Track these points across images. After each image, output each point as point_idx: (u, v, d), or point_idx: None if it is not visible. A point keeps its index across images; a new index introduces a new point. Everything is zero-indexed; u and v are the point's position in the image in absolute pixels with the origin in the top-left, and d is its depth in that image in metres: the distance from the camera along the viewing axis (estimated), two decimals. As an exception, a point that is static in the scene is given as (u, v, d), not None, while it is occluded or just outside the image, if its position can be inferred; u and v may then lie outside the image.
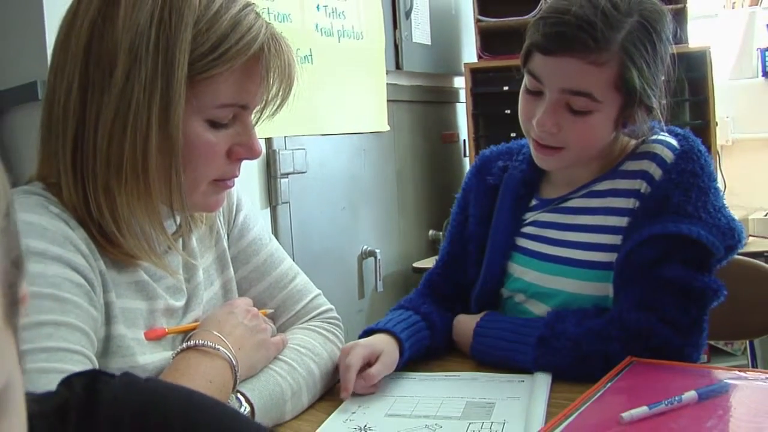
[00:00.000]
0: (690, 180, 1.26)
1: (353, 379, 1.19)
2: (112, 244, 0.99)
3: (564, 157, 1.32)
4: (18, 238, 0.36)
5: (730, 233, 1.25)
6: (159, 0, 0.94)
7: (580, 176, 1.38)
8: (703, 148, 1.32)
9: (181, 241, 1.13)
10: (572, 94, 1.25)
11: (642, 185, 1.30)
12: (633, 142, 1.37)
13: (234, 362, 1.04)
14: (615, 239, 1.31)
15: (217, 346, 1.04)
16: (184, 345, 1.04)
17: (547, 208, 1.42)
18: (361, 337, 1.33)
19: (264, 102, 1.07)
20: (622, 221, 1.31)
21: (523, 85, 1.34)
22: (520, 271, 1.41)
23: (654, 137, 1.35)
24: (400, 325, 1.34)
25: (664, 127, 1.37)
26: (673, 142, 1.32)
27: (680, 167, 1.27)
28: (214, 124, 1.00)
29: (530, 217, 1.44)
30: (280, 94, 1.07)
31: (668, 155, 1.30)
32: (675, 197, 1.25)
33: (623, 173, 1.34)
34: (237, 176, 1.08)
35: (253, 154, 1.05)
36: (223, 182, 1.06)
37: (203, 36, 0.95)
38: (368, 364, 1.24)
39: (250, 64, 1.00)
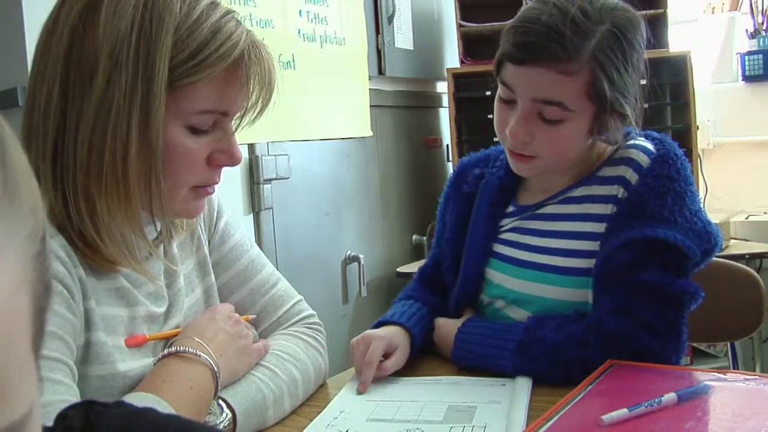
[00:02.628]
0: (666, 184, 1.26)
1: (372, 376, 1.27)
2: (92, 251, 0.99)
3: (538, 165, 1.32)
4: (50, 263, 0.36)
5: (706, 237, 1.25)
6: (140, 7, 0.94)
7: (557, 183, 1.39)
8: (679, 152, 1.32)
9: (161, 247, 1.13)
10: (544, 104, 1.25)
11: (619, 191, 1.30)
12: (610, 148, 1.37)
13: (215, 368, 1.04)
14: (593, 245, 1.31)
15: (198, 353, 1.03)
16: (165, 351, 1.04)
17: (524, 215, 1.42)
18: (373, 327, 1.39)
19: (244, 109, 1.07)
20: (599, 227, 1.31)
21: (497, 94, 1.34)
22: (499, 277, 1.41)
23: (630, 142, 1.35)
24: (412, 319, 1.40)
25: (640, 132, 1.38)
26: (650, 146, 1.33)
27: (656, 172, 1.28)
28: (195, 131, 1.00)
29: (507, 223, 1.44)
30: (261, 101, 1.06)
31: (644, 160, 1.30)
32: (651, 202, 1.25)
33: (600, 179, 1.34)
34: (217, 183, 1.08)
35: (233, 161, 1.05)
36: (203, 189, 1.06)
37: (184, 43, 0.95)
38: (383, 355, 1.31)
39: (230, 70, 1.00)
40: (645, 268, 1.23)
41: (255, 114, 1.09)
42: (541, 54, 1.22)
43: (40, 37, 0.99)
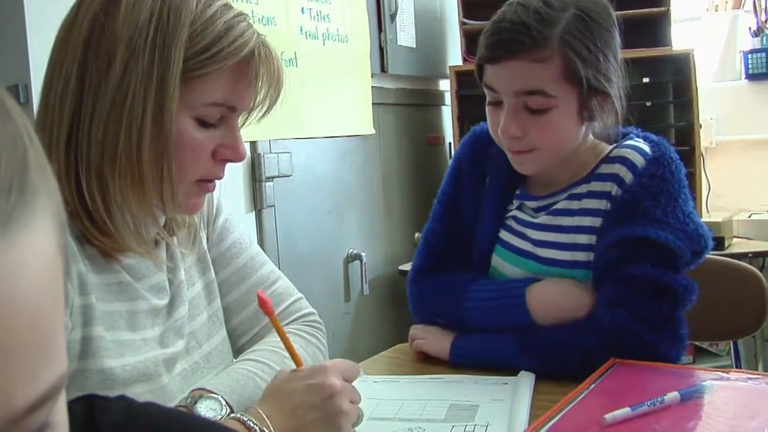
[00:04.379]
0: (660, 185, 1.28)
1: None
2: (102, 234, 1.00)
3: (538, 157, 1.33)
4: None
5: (697, 239, 1.27)
6: (158, 1, 0.99)
7: (557, 178, 1.39)
8: (675, 154, 1.33)
9: (163, 242, 1.14)
10: (526, 95, 1.28)
11: (613, 188, 1.32)
12: (609, 147, 1.38)
13: None
14: (592, 239, 1.33)
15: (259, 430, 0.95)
16: (230, 415, 0.98)
17: (530, 209, 1.42)
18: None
19: (251, 106, 1.09)
20: (596, 222, 1.33)
21: (486, 101, 1.36)
22: (502, 264, 1.43)
23: (627, 142, 1.36)
24: None
25: (639, 133, 1.39)
26: (646, 147, 1.34)
27: (651, 172, 1.29)
28: (203, 123, 1.03)
29: (513, 208, 1.44)
30: (268, 99, 1.09)
31: (639, 160, 1.31)
32: (644, 201, 1.27)
33: (598, 176, 1.36)
34: (220, 178, 1.10)
35: (237, 156, 1.08)
36: (205, 183, 1.08)
37: (198, 36, 0.99)
38: None
39: (240, 66, 1.03)
40: (636, 263, 1.25)
41: (262, 113, 1.12)
42: (510, 47, 1.26)
43: (61, 28, 1.02)
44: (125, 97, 0.97)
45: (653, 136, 1.38)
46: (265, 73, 1.06)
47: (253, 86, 1.06)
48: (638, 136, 1.39)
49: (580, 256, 1.34)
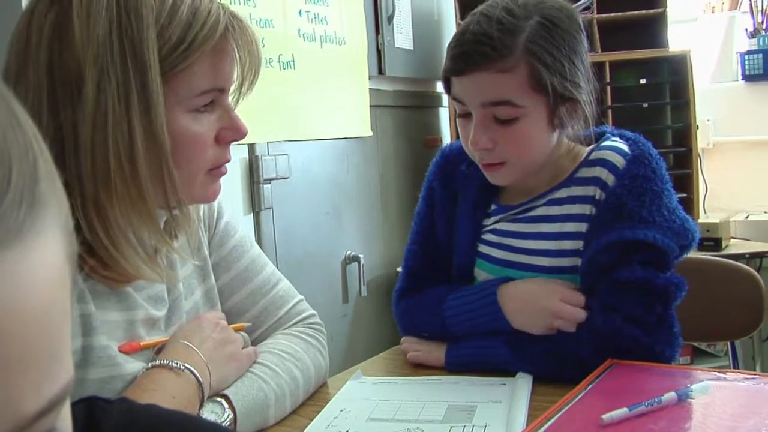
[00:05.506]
0: (643, 184, 1.27)
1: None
2: (105, 267, 0.97)
3: (510, 170, 1.33)
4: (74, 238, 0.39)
5: (684, 234, 1.27)
6: (113, 7, 0.93)
7: (534, 184, 1.39)
8: (653, 151, 1.33)
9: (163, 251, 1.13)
10: (494, 106, 1.27)
11: (596, 192, 1.31)
12: (586, 149, 1.38)
13: (200, 379, 1.02)
14: (576, 244, 1.32)
15: (182, 366, 1.02)
16: (150, 364, 1.02)
17: (509, 215, 1.41)
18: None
19: (240, 80, 1.07)
20: (581, 227, 1.32)
21: (456, 113, 1.36)
22: (485, 277, 1.42)
23: (605, 143, 1.36)
24: None
25: (615, 131, 1.39)
26: (624, 147, 1.34)
27: (632, 172, 1.29)
28: (198, 114, 1.00)
29: (490, 223, 1.44)
30: (253, 68, 1.06)
31: (619, 161, 1.31)
32: (629, 203, 1.26)
33: (578, 180, 1.35)
34: (229, 161, 1.08)
35: (239, 134, 1.05)
36: (217, 170, 1.06)
37: (167, 30, 0.95)
38: None
39: (219, 45, 1.00)
40: (628, 266, 1.25)
41: (249, 83, 1.08)
42: (474, 59, 1.26)
43: (11, 62, 0.95)
44: (106, 117, 0.91)
45: (629, 134, 1.38)
46: (243, 44, 1.03)
47: (235, 60, 1.03)
48: (614, 135, 1.39)
49: (565, 261, 1.33)
